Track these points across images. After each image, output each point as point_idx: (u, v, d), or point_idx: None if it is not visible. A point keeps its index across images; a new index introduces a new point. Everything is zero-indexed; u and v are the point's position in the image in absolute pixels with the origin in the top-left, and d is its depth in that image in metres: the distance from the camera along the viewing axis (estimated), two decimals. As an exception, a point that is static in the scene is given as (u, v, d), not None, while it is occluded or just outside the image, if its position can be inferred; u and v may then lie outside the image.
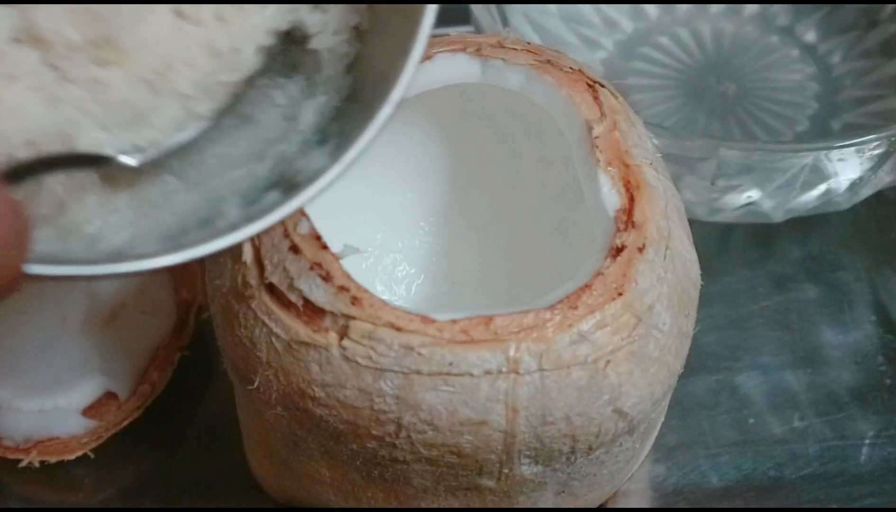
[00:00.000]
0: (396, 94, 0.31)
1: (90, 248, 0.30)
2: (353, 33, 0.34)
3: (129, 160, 0.31)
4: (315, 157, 0.32)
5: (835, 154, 0.48)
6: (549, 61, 0.41)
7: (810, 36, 0.63)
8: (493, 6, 0.54)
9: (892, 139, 0.48)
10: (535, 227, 0.48)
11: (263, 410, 0.37)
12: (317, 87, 0.34)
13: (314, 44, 0.34)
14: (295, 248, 0.36)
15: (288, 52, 0.34)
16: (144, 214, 0.31)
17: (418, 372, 0.34)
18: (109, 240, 0.30)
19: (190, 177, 0.32)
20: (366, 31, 0.34)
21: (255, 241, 0.37)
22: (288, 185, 0.31)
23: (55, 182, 0.30)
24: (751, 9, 0.64)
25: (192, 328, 0.49)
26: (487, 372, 0.34)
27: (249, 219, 0.30)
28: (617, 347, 0.35)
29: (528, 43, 0.42)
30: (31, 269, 0.26)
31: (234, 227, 0.30)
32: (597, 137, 0.39)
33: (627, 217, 0.37)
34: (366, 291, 0.35)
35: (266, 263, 0.36)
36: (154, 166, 0.31)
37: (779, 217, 0.52)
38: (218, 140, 0.33)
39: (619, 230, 0.37)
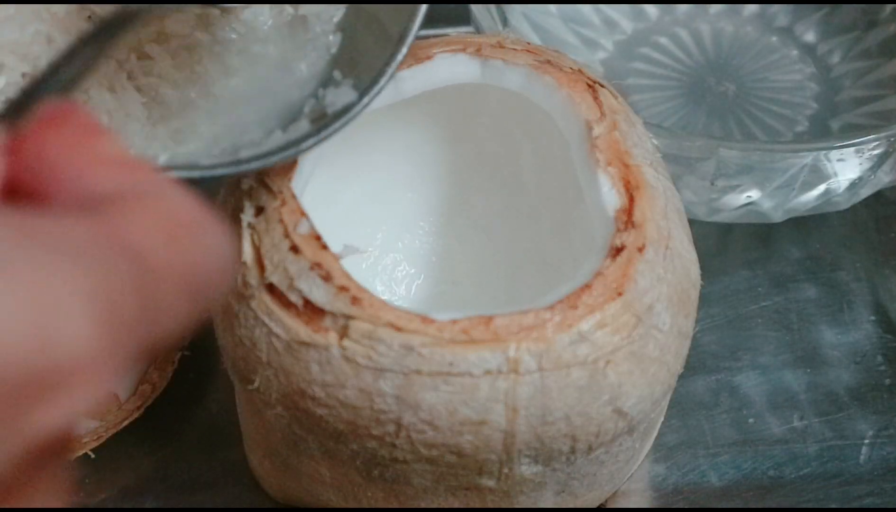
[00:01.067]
0: (404, 47, 0.38)
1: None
2: None
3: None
4: (341, 93, 0.38)
5: (834, 154, 0.48)
6: (549, 61, 0.41)
7: (810, 36, 0.63)
8: (493, 6, 0.54)
9: (892, 139, 0.48)
10: (535, 227, 0.48)
11: (263, 409, 0.37)
12: (306, 43, 0.40)
13: (302, 10, 0.41)
14: (295, 249, 0.36)
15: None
16: (178, 142, 0.38)
17: (418, 372, 0.34)
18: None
19: (211, 110, 0.39)
20: None
21: (256, 241, 0.37)
22: (316, 116, 0.38)
23: (102, 103, 0.37)
24: (750, 9, 0.64)
25: (192, 328, 0.49)
26: (487, 372, 0.34)
27: (289, 143, 0.36)
28: (617, 347, 0.35)
29: (528, 43, 0.42)
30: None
31: (271, 150, 0.36)
32: (596, 137, 0.39)
33: (627, 217, 0.37)
34: (366, 290, 0.35)
35: (266, 262, 0.36)
36: (182, 103, 0.39)
37: (778, 217, 0.52)
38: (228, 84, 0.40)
39: (618, 230, 0.37)
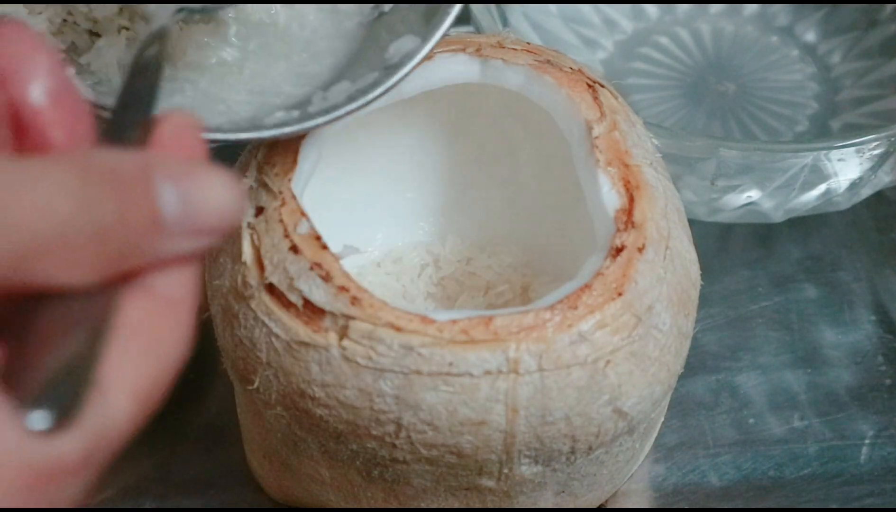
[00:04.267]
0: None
1: (232, 121, 0.38)
2: None
3: None
4: (404, 42, 0.39)
5: (835, 154, 0.48)
6: (549, 61, 0.41)
7: (810, 36, 0.63)
8: (493, 6, 0.54)
9: (892, 139, 0.48)
10: (535, 227, 0.48)
11: (263, 410, 0.37)
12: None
13: None
14: (295, 249, 0.36)
15: None
16: (257, 95, 0.40)
17: (418, 372, 0.34)
18: (238, 115, 0.39)
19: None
20: None
21: (255, 241, 0.37)
22: (385, 66, 0.39)
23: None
24: (751, 9, 0.64)
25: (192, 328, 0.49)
26: (487, 372, 0.34)
27: (354, 96, 0.37)
28: (617, 347, 0.35)
29: (528, 43, 0.42)
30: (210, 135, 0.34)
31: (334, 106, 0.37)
32: (597, 137, 0.39)
33: (627, 217, 0.37)
34: (366, 290, 0.35)
35: (266, 263, 0.36)
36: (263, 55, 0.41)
37: (778, 217, 0.52)
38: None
39: (618, 230, 0.37)
